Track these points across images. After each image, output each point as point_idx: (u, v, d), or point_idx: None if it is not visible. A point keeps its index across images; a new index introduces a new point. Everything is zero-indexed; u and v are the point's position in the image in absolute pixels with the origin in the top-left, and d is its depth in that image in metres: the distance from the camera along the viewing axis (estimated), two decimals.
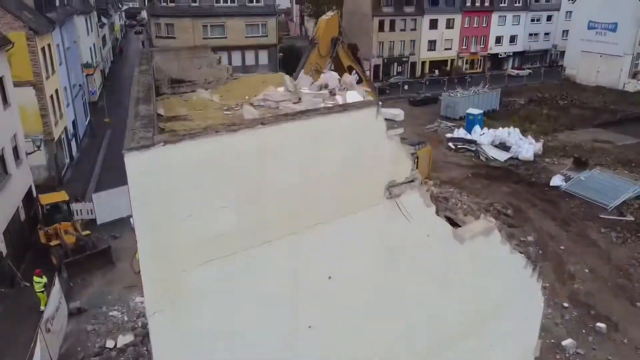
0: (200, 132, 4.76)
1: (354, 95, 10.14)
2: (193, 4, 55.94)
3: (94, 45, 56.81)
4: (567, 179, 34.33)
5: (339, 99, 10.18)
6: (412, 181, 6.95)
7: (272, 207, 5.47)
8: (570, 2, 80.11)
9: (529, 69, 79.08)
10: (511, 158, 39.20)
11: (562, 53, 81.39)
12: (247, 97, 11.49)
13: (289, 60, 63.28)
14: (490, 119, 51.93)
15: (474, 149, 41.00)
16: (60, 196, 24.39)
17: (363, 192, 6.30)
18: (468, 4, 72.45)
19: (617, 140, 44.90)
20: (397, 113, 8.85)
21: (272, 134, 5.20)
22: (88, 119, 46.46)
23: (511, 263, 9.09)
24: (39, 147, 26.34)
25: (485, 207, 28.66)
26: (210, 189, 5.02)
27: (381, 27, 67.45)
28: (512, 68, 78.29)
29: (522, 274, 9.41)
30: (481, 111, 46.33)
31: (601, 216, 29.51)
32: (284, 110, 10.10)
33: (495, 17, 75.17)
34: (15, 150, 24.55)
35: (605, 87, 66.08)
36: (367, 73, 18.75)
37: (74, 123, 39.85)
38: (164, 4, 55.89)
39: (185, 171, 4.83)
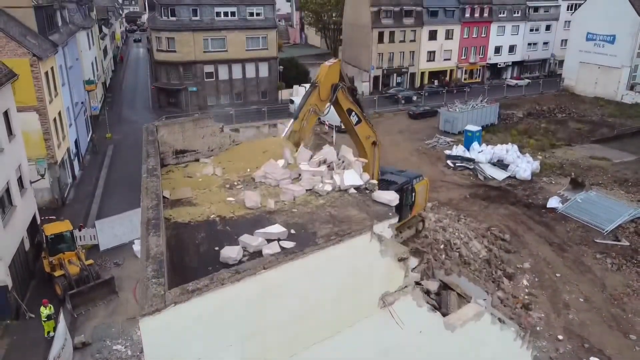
0: (206, 286, 5.16)
1: (351, 176, 10.56)
2: (194, 18, 56.37)
3: (95, 59, 57.20)
4: (563, 200, 34.76)
5: (337, 179, 10.61)
6: (406, 287, 7.33)
7: (273, 337, 5.88)
8: (570, 12, 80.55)
9: (527, 78, 79.54)
10: (509, 177, 39.61)
11: (561, 62, 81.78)
12: (248, 170, 11.93)
13: (289, 72, 63.74)
14: (489, 132, 52.46)
15: (472, 167, 41.42)
16: (64, 226, 24.80)
17: (358, 306, 6.70)
18: (467, 14, 72.83)
19: (614, 157, 45.29)
20: (392, 198, 9.22)
21: (273, 276, 5.61)
22: (90, 135, 46.87)
23: (501, 339, 9.50)
24: (43, 175, 26.76)
25: (482, 233, 29.06)
26: (217, 332, 5.43)
27: (381, 39, 67.86)
28: (511, 78, 78.72)
29: (512, 346, 9.83)
30: (479, 128, 46.73)
31: (597, 241, 29.94)
32: (284, 190, 10.54)
33: (494, 27, 75.57)
34: (20, 179, 24.97)
35: (604, 98, 66.51)
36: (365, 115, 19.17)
37: (76, 142, 40.28)
38: (164, 18, 56.31)
39: (194, 322, 5.24)
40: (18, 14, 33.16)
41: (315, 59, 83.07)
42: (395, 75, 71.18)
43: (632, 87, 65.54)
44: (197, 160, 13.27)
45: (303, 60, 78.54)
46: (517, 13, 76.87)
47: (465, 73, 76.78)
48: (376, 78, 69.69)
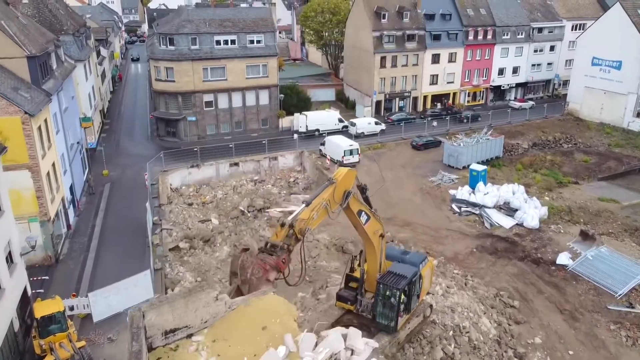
0: None
1: None
2: (193, 47, 55.25)
3: (92, 88, 56.12)
4: (574, 255, 33.70)
5: None
6: None
7: None
8: (574, 32, 79.48)
9: (531, 99, 78.56)
10: (516, 225, 38.53)
11: (565, 82, 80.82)
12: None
13: (290, 99, 62.65)
14: (494, 167, 51.47)
15: (478, 212, 40.35)
16: (55, 305, 23.68)
17: None
18: (471, 37, 71.70)
19: (622, 198, 44.21)
20: None
21: None
22: (86, 174, 45.77)
23: None
24: (33, 247, 25.64)
25: (491, 303, 27.96)
26: None
27: (383, 64, 66.76)
28: (515, 99, 77.64)
29: None
30: (484, 167, 45.63)
31: (609, 307, 28.88)
32: None
33: (498, 49, 74.47)
34: (9, 255, 23.87)
35: (610, 124, 65.46)
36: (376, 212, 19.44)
37: (72, 187, 39.18)
38: (163, 47, 55.19)
39: None
40: (11, 64, 32.07)
41: (316, 79, 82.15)
42: (397, 99, 70.06)
43: (638, 114, 64.42)
44: (189, 336, 12.01)
45: (304, 82, 77.63)
46: (521, 34, 75.77)
47: (469, 95, 75.72)
48: (378, 102, 68.56)
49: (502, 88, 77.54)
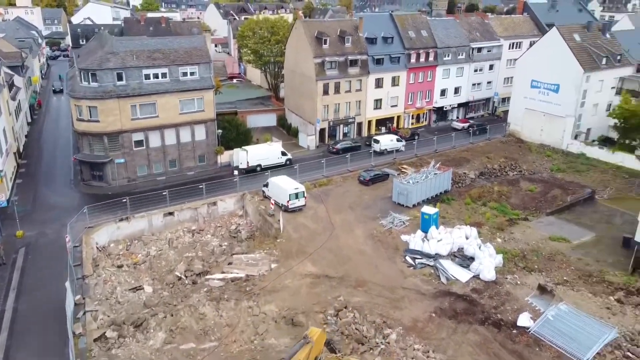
0: None
1: None
2: (119, 83, 50.29)
3: (4, 129, 49.92)
4: (534, 315, 32.35)
5: None
6: None
7: None
8: (511, 50, 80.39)
9: (472, 118, 78.71)
10: (473, 277, 36.92)
11: (504, 99, 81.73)
12: None
13: (229, 133, 58.77)
14: (444, 202, 50.18)
15: (432, 264, 38.45)
16: None
17: None
18: (413, 60, 70.53)
19: (572, 236, 43.87)
20: None
21: None
22: None
23: None
24: None
25: None
26: None
27: (326, 91, 64.14)
28: (457, 119, 77.37)
29: None
30: (436, 210, 43.95)
31: None
32: None
33: (439, 70, 73.82)
34: None
35: (550, 146, 66.20)
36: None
37: None
38: (85, 84, 49.90)
39: None
40: None
41: (256, 104, 78.48)
42: (342, 126, 67.75)
43: (576, 137, 65.48)
44: None
45: (243, 108, 73.85)
46: (462, 55, 75.54)
47: (412, 118, 74.67)
48: (322, 130, 65.94)
49: (444, 109, 77.08)
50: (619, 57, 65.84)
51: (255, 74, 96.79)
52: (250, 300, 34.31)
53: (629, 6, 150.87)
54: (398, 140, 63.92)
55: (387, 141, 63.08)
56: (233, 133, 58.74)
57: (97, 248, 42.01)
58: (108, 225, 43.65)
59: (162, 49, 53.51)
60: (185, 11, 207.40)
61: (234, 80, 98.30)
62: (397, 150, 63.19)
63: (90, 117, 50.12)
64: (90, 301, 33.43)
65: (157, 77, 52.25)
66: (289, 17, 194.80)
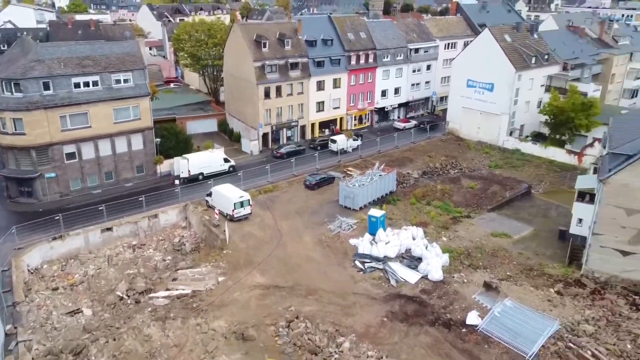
0: None
1: None
2: (46, 93, 47.28)
3: None
4: (482, 312, 33.08)
5: None
6: None
7: None
8: (447, 51, 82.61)
9: (412, 118, 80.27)
10: (422, 278, 37.35)
11: (442, 98, 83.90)
12: None
13: (167, 142, 56.66)
14: (389, 203, 50.62)
15: (382, 267, 38.59)
16: None
17: None
18: (353, 62, 70.92)
19: (512, 231, 45.40)
20: None
21: None
22: None
23: None
24: None
25: None
26: None
27: (267, 95, 63.24)
28: (398, 119, 78.59)
29: None
30: (383, 212, 44.24)
31: None
32: None
33: (379, 72, 74.67)
34: None
35: (487, 143, 68.46)
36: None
37: None
38: (7, 94, 46.48)
39: None
40: None
41: (195, 109, 76.26)
42: (285, 129, 67.04)
43: (511, 133, 68.08)
44: None
45: (181, 114, 71.58)
46: (400, 56, 76.77)
47: (355, 119, 75.11)
48: (265, 135, 64.99)
49: (386, 109, 78.10)
50: (546, 57, 69.01)
51: (193, 78, 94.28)
52: (198, 317, 33.05)
53: (552, 6, 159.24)
54: (354, 139, 65.27)
55: (344, 141, 64.18)
56: (172, 141, 56.66)
57: (29, 270, 39.21)
58: (40, 245, 40.89)
59: (93, 55, 50.72)
60: (117, 12, 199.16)
61: (171, 85, 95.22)
62: (355, 149, 64.53)
63: (16, 130, 46.80)
64: (23, 330, 31.05)
65: (88, 86, 49.50)
66: (226, 19, 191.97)
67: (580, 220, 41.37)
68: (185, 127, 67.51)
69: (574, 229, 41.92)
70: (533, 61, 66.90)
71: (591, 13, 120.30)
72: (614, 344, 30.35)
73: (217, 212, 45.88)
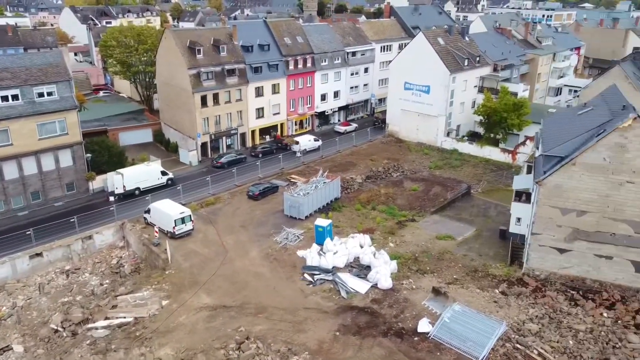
0: None
1: None
2: None
3: None
4: (432, 319, 33.35)
5: None
6: None
7: None
8: (383, 53, 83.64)
9: (353, 121, 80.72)
10: (372, 287, 37.22)
11: (381, 100, 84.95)
12: None
13: (100, 156, 53.54)
14: (335, 210, 50.37)
15: (331, 279, 38.14)
16: None
17: None
18: (291, 67, 70.21)
19: (456, 233, 46.27)
20: None
21: None
22: None
23: None
24: None
25: None
26: None
27: (204, 103, 61.26)
28: (339, 123, 78.70)
29: None
30: (329, 221, 43.83)
31: None
32: None
33: (318, 76, 74.40)
34: None
35: (426, 144, 69.86)
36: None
37: None
38: None
39: None
40: None
41: (128, 119, 72.66)
42: (224, 138, 65.26)
43: (448, 134, 69.83)
44: None
45: (114, 124, 68.02)
46: (338, 60, 76.87)
47: (296, 124, 74.46)
48: (204, 144, 62.96)
49: (326, 113, 77.99)
50: (477, 58, 71.32)
51: (124, 85, 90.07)
52: (142, 347, 31.18)
53: (479, 7, 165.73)
54: (315, 140, 67.21)
55: (305, 141, 66.29)
56: (105, 156, 53.56)
57: None
58: None
59: (11, 67, 47.01)
60: (36, 16, 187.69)
61: (101, 93, 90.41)
62: (316, 149, 66.62)
63: None
64: None
65: (7, 100, 45.84)
66: (156, 20, 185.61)
67: (518, 219, 42.81)
68: (118, 139, 64.27)
69: (513, 228, 43.29)
70: (466, 63, 68.92)
71: (515, 14, 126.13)
72: (557, 342, 31.48)
73: (157, 229, 43.74)
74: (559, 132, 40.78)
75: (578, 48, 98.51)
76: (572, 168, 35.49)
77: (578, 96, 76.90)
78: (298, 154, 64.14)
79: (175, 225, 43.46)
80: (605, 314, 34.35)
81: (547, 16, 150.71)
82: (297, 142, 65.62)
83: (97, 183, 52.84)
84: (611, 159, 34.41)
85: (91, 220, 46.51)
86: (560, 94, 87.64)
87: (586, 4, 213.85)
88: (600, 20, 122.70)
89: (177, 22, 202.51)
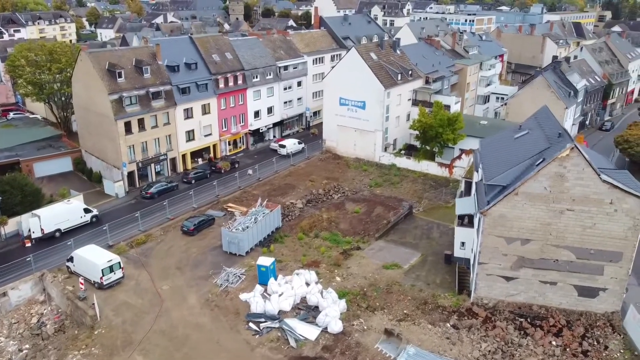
0: None
1: None
2: None
3: None
4: None
5: None
6: None
7: None
8: (315, 65, 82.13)
9: (288, 136, 78.71)
10: (321, 332, 35.41)
11: (315, 113, 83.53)
12: None
13: (12, 197, 48.01)
14: (277, 242, 48.25)
15: (278, 326, 35.93)
16: None
17: None
18: (221, 85, 66.96)
19: (402, 261, 45.33)
20: None
21: None
22: None
23: None
24: None
25: None
26: None
27: (128, 129, 56.82)
28: (274, 141, 76.15)
29: None
30: (272, 259, 41.52)
31: None
32: None
33: (250, 92, 71.64)
34: None
35: (364, 159, 69.10)
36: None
37: None
38: None
39: None
40: None
41: (44, 146, 66.15)
42: (153, 165, 61.02)
43: (385, 149, 69.44)
44: None
45: (26, 154, 61.81)
46: (270, 75, 74.46)
47: (229, 144, 71.27)
48: (131, 173, 58.47)
49: (260, 130, 75.36)
50: (410, 72, 71.42)
51: (38, 105, 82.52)
52: None
53: (404, 11, 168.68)
54: (299, 143, 72.50)
55: (291, 145, 71.11)
56: (17, 196, 48.04)
57: None
58: None
59: None
60: None
61: (11, 115, 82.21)
62: (301, 151, 71.88)
63: None
64: None
65: None
66: (71, 27, 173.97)
67: (462, 243, 42.69)
68: (33, 171, 58.48)
69: (458, 252, 43.14)
70: (399, 77, 68.75)
71: (440, 20, 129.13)
72: None
73: (82, 280, 39.59)
74: (498, 158, 40.83)
75: (502, 55, 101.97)
76: (515, 198, 35.40)
77: (505, 104, 79.47)
78: (286, 154, 69.39)
79: (103, 275, 39.52)
80: (554, 342, 34.58)
81: (470, 20, 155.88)
82: (284, 146, 70.59)
83: (9, 227, 47.41)
84: (551, 188, 34.60)
85: (5, 273, 41.54)
86: (488, 101, 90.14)
87: (503, 7, 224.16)
88: (519, 26, 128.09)
89: (95, 28, 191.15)
